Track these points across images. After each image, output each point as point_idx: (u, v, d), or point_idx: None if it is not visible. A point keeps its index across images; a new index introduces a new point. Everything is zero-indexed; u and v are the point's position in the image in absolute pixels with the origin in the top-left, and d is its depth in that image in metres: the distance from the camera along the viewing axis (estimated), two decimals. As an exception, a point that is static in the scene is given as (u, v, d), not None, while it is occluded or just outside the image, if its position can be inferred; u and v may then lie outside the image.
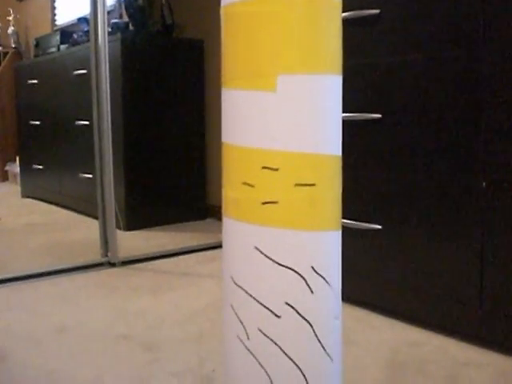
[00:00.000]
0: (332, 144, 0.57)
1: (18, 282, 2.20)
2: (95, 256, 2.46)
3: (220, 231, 0.57)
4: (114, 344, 1.61)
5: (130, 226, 3.01)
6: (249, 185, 0.55)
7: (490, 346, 1.52)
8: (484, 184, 1.47)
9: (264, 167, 0.54)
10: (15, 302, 1.98)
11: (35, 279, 2.23)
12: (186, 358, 1.51)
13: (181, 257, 2.54)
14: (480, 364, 1.44)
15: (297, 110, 0.53)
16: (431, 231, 1.59)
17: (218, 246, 2.59)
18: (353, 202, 1.78)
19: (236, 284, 0.57)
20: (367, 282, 1.79)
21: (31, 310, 1.88)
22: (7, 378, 1.42)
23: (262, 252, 0.55)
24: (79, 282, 2.20)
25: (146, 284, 2.16)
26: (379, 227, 1.72)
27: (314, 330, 0.56)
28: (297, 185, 0.54)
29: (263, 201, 0.54)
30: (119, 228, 2.62)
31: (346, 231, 1.81)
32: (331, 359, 0.57)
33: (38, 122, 3.92)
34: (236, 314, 0.57)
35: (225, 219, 0.59)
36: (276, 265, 0.55)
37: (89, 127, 2.85)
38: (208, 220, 3.22)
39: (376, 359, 1.48)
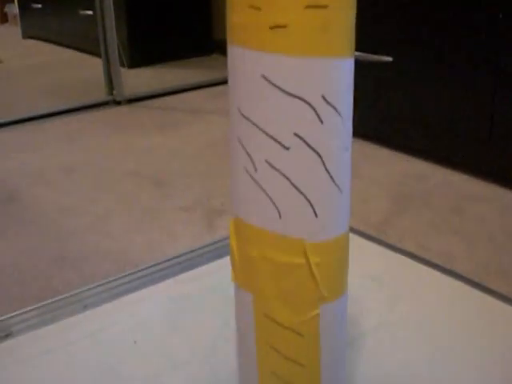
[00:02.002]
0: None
1: (25, 124, 2.19)
2: (100, 95, 2.42)
3: (226, 66, 0.54)
4: (124, 181, 1.63)
5: (133, 64, 2.93)
6: (255, 8, 0.51)
7: (496, 180, 1.53)
8: (501, 15, 1.40)
9: (271, -14, 0.50)
10: (23, 144, 1.98)
11: (41, 120, 2.22)
12: (195, 192, 1.53)
13: (187, 93, 2.51)
14: (486, 198, 1.46)
15: None
16: (444, 64, 1.55)
17: (226, 82, 2.54)
18: (363, 33, 1.71)
19: (243, 115, 0.55)
20: (376, 115, 1.77)
21: (40, 151, 1.89)
22: (22, 215, 1.46)
23: (269, 81, 0.52)
24: (86, 122, 2.19)
25: (153, 121, 2.15)
26: (390, 59, 1.67)
27: (323, 161, 0.55)
28: (308, 7, 0.50)
29: (271, 25, 0.51)
30: (123, 66, 2.55)
31: (356, 63, 1.76)
32: (340, 190, 0.56)
33: (32, -45, 3.72)
34: (243, 146, 0.56)
35: (230, 48, 0.56)
36: (284, 94, 0.52)
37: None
38: (214, 55, 3.14)
39: (382, 192, 1.50)
